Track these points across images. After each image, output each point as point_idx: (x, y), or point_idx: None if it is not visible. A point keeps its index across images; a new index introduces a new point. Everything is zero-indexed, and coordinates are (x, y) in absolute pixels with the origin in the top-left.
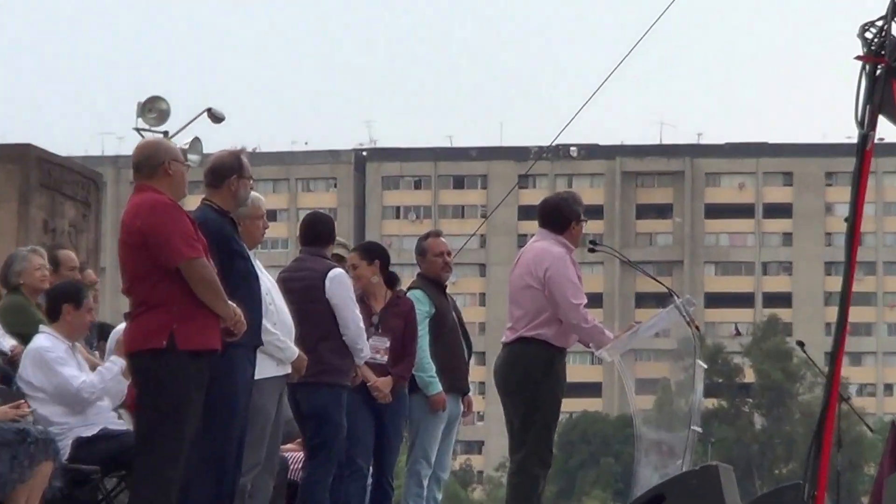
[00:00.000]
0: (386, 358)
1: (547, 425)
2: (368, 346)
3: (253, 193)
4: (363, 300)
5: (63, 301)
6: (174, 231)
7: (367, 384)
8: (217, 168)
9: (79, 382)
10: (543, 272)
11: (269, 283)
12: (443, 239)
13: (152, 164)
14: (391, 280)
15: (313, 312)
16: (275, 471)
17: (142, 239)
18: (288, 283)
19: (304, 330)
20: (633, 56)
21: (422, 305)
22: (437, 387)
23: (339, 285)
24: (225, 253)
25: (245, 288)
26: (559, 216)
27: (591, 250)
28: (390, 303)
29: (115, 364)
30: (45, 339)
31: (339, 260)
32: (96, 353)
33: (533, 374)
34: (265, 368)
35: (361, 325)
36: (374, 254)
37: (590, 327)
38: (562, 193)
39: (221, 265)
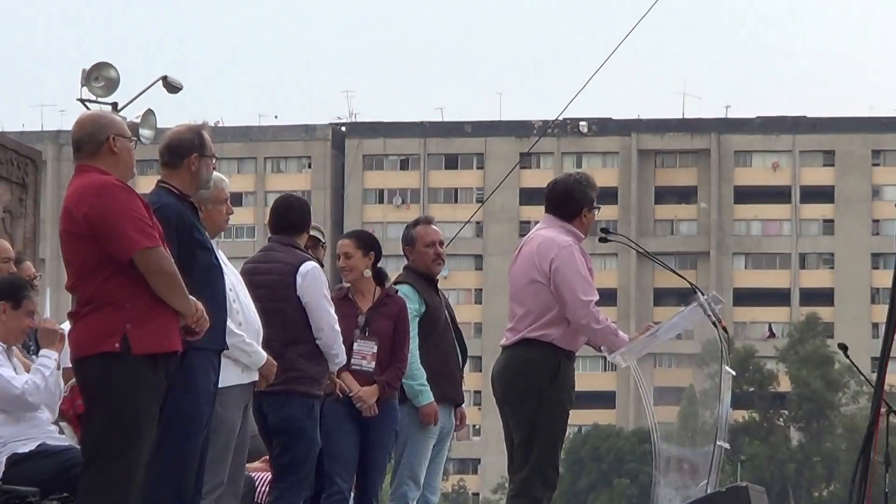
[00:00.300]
0: (373, 364)
1: (553, 441)
2: (344, 352)
3: (215, 174)
4: (349, 297)
5: None
6: (126, 217)
7: (350, 395)
8: (175, 145)
9: (21, 384)
10: (549, 264)
11: (233, 278)
12: (434, 227)
13: (95, 140)
14: (379, 276)
15: (282, 311)
16: (239, 493)
17: (88, 227)
18: (253, 277)
19: (271, 332)
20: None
21: (410, 303)
22: (429, 396)
23: (313, 281)
24: (185, 243)
25: (208, 283)
26: (570, 201)
27: (604, 240)
28: (379, 301)
29: (50, 357)
30: None
31: (316, 244)
32: (34, 358)
33: (537, 381)
34: (229, 375)
35: (337, 327)
36: (370, 245)
37: (601, 328)
38: (573, 174)
39: (181, 257)
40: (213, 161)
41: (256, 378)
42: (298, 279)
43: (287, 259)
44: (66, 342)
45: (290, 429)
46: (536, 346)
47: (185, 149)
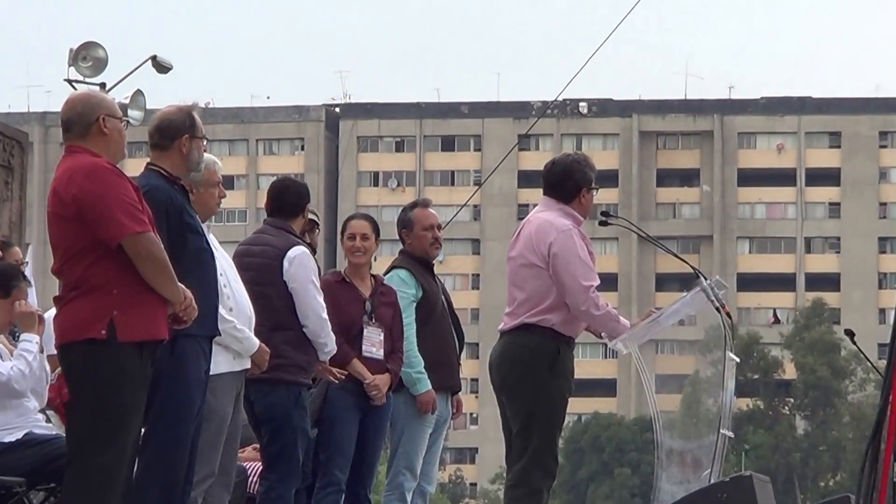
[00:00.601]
0: (381, 352)
1: (551, 429)
2: (333, 341)
3: (207, 156)
4: (346, 280)
5: None
6: (116, 201)
7: (365, 383)
8: (165, 126)
9: (6, 370)
10: (548, 249)
11: (224, 262)
12: (432, 210)
13: (84, 121)
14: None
15: (268, 296)
16: (231, 483)
17: (76, 210)
18: (243, 259)
19: (258, 316)
20: None
21: (408, 288)
22: (426, 384)
23: (301, 267)
24: (174, 226)
25: (199, 268)
26: (568, 181)
27: (604, 223)
28: (377, 289)
29: (31, 342)
30: None
31: (313, 227)
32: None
33: (536, 368)
34: (220, 363)
35: (324, 315)
36: (378, 230)
37: (602, 314)
38: (572, 155)
39: (171, 241)
40: (205, 143)
41: (248, 366)
42: (286, 264)
43: (277, 243)
44: (50, 327)
45: (276, 417)
46: (535, 331)
47: (176, 130)
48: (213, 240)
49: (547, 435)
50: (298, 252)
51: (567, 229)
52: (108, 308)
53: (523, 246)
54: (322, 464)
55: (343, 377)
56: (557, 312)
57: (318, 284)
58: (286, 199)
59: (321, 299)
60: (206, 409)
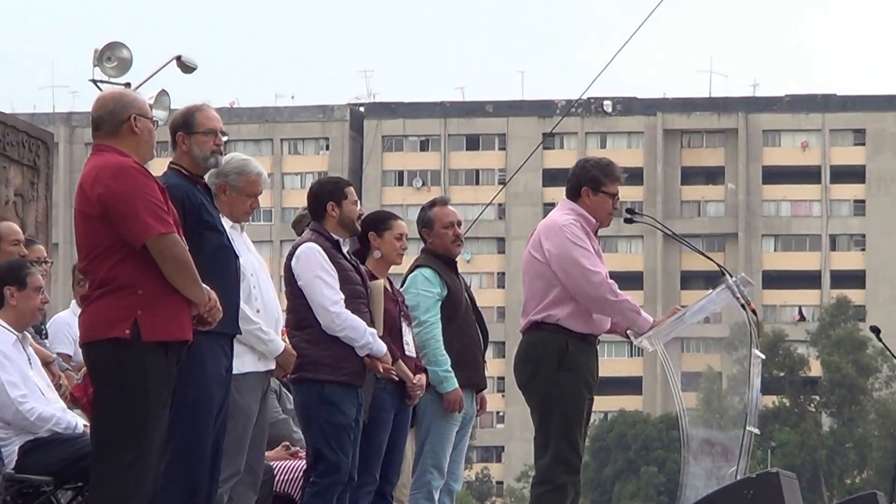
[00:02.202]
0: (415, 351)
1: (568, 425)
2: (353, 331)
3: (254, 165)
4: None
5: (3, 284)
6: (141, 201)
7: (411, 383)
8: (171, 127)
9: (21, 401)
10: (549, 244)
11: (256, 264)
12: (452, 207)
13: (116, 119)
14: None
15: (290, 297)
16: (257, 482)
17: (102, 209)
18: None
19: (286, 318)
20: None
21: (432, 287)
22: (453, 383)
23: (305, 263)
24: (192, 224)
25: (218, 265)
26: (572, 180)
27: (629, 220)
28: (394, 287)
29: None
30: None
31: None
32: (46, 342)
33: (545, 364)
34: (245, 362)
35: (332, 307)
36: None
37: (619, 300)
38: (590, 158)
39: (188, 239)
40: (214, 138)
41: (273, 367)
42: (293, 262)
43: (296, 244)
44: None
45: (302, 416)
46: (543, 328)
47: (173, 129)
48: (246, 240)
49: (564, 430)
50: (303, 249)
51: (567, 224)
52: (132, 308)
53: (530, 245)
54: (361, 462)
55: (392, 371)
56: (562, 307)
57: (326, 278)
58: (309, 204)
59: (330, 293)
60: (231, 408)
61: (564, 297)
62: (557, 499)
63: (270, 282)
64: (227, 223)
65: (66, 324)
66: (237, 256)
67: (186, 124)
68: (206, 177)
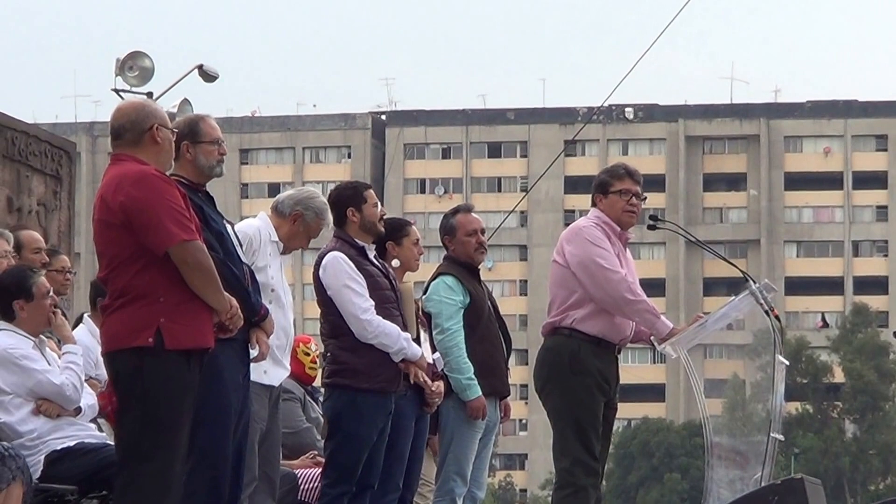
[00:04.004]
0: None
1: (583, 427)
2: (387, 337)
3: (329, 210)
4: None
5: (11, 299)
6: (164, 208)
7: (430, 390)
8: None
9: (62, 380)
10: (568, 248)
11: (277, 277)
12: (475, 214)
13: (137, 129)
14: None
15: (323, 306)
16: (275, 490)
17: (123, 217)
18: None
19: (320, 326)
20: None
21: (455, 295)
22: (477, 391)
23: (332, 272)
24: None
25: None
26: (593, 189)
27: (652, 227)
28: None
29: (76, 353)
30: (8, 337)
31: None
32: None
33: (557, 368)
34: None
35: (362, 315)
36: None
37: (636, 301)
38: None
39: None
40: (218, 147)
41: (276, 383)
42: (321, 272)
43: (321, 252)
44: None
45: (330, 422)
46: (560, 332)
47: (178, 138)
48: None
49: (579, 433)
50: (329, 258)
51: (587, 227)
52: (155, 316)
53: (555, 251)
54: (384, 470)
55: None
56: (579, 309)
57: (354, 286)
58: (333, 213)
59: (360, 300)
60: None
61: (583, 300)
62: (580, 501)
63: (290, 304)
64: (272, 236)
65: (86, 348)
66: (241, 261)
67: (192, 133)
68: (283, 200)
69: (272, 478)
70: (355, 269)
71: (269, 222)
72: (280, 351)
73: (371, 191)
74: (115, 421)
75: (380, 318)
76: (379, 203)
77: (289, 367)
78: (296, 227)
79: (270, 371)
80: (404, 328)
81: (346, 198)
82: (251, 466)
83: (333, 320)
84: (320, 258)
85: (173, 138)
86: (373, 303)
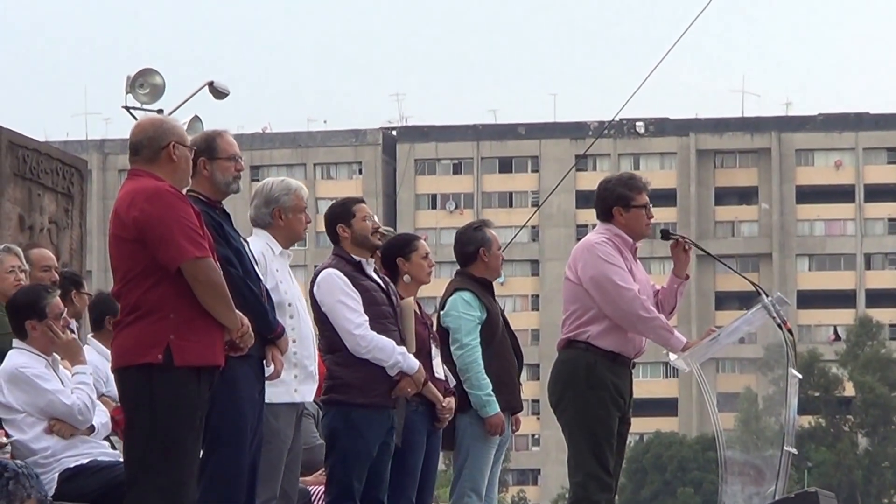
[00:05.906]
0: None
1: (597, 442)
2: (381, 352)
3: (294, 182)
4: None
5: (23, 318)
6: (177, 225)
7: (440, 406)
8: None
9: (73, 400)
10: (580, 265)
11: (296, 291)
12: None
13: (155, 145)
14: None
15: (321, 323)
16: None
17: (137, 232)
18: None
19: (319, 341)
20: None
21: (472, 310)
22: (495, 407)
23: (326, 288)
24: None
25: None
26: (599, 203)
27: (665, 238)
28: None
29: (86, 373)
30: (21, 355)
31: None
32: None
33: (572, 382)
34: (279, 393)
35: (356, 330)
36: None
37: (651, 317)
38: (611, 177)
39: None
40: (235, 164)
41: (305, 399)
42: (315, 289)
43: (317, 270)
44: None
45: (327, 438)
46: (574, 347)
47: (195, 154)
48: (286, 267)
49: (593, 447)
50: (323, 275)
51: (600, 243)
52: (164, 332)
53: (567, 267)
54: (396, 486)
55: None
56: (594, 325)
57: (348, 302)
58: (326, 230)
59: (353, 316)
60: (267, 432)
61: (597, 315)
62: None
63: (307, 312)
64: (275, 250)
65: (94, 367)
66: (259, 278)
67: (210, 149)
68: (255, 214)
69: (290, 494)
70: (349, 284)
71: (266, 237)
72: (308, 361)
73: (362, 205)
74: (124, 437)
75: (374, 332)
76: (373, 216)
77: (317, 378)
78: (286, 220)
79: (301, 388)
80: (402, 343)
81: (335, 215)
82: (272, 485)
83: (329, 336)
84: (316, 275)
85: (191, 156)
86: (367, 318)
